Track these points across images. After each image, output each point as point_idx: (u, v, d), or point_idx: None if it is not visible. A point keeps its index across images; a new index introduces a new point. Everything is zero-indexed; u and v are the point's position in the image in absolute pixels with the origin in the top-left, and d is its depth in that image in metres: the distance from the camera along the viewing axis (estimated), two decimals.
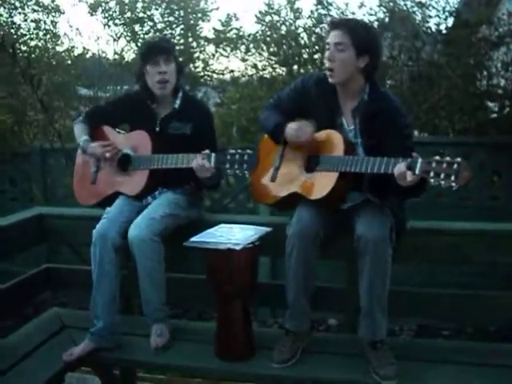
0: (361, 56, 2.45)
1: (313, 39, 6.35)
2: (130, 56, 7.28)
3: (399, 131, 2.44)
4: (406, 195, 2.41)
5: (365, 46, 2.46)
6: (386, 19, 6.01)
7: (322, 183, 2.47)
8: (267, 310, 4.76)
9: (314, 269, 2.51)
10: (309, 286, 2.53)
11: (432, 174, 2.10)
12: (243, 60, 7.01)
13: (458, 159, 2.07)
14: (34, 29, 7.17)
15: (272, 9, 6.68)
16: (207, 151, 2.55)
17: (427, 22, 5.89)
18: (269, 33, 6.63)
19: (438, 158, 2.11)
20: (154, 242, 2.58)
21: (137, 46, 7.09)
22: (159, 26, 7.29)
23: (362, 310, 2.47)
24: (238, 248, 2.42)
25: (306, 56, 6.30)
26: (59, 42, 7.36)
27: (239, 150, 2.50)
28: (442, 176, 2.08)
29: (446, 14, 5.82)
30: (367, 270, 2.37)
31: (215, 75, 7.71)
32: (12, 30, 6.95)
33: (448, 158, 2.08)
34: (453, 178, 2.06)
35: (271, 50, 6.54)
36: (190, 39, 7.37)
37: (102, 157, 2.87)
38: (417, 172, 2.14)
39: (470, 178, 2.07)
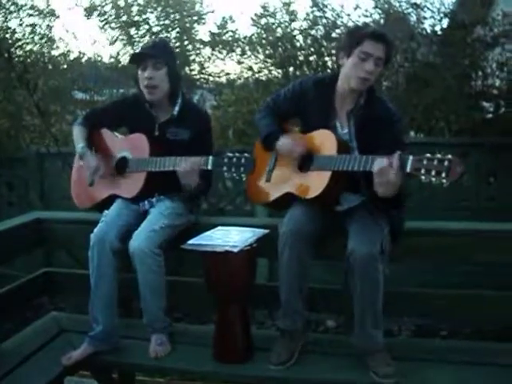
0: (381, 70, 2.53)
1: (308, 41, 6.37)
2: (125, 59, 7.29)
3: (393, 138, 2.45)
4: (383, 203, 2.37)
5: (388, 62, 2.55)
6: (382, 21, 6.02)
7: (316, 182, 2.48)
8: (265, 312, 4.77)
9: (307, 267, 2.50)
10: (302, 284, 2.52)
11: (423, 171, 2.11)
12: (239, 62, 7.03)
13: (449, 156, 2.08)
14: (30, 33, 7.15)
15: (267, 11, 6.69)
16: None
17: (422, 23, 5.92)
18: (264, 35, 6.64)
19: (428, 155, 2.11)
20: (154, 254, 2.58)
21: (133, 49, 7.11)
22: (155, 29, 7.32)
23: (355, 323, 2.47)
24: (235, 250, 2.41)
25: (301, 58, 6.32)
26: (55, 47, 7.38)
27: (237, 154, 2.52)
28: (433, 173, 2.09)
29: (441, 15, 5.85)
30: (357, 288, 2.37)
31: (211, 78, 7.74)
32: (7, 35, 6.94)
33: (439, 155, 2.09)
34: (443, 174, 2.07)
35: (267, 52, 6.55)
36: (186, 42, 7.39)
37: (94, 172, 2.86)
38: (408, 169, 2.15)
39: (462, 172, 2.07)
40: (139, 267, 2.59)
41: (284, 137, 2.62)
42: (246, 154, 2.52)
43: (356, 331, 2.47)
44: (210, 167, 2.56)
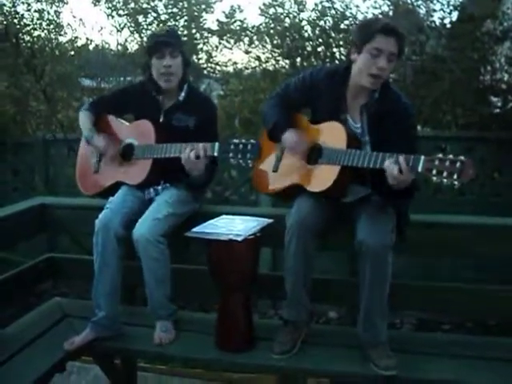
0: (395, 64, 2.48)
1: (317, 32, 6.34)
2: (133, 47, 7.29)
3: (407, 133, 2.43)
4: (396, 195, 2.37)
5: (401, 56, 2.48)
6: (391, 13, 5.99)
7: (324, 176, 2.46)
8: (268, 302, 4.78)
9: (312, 259, 2.51)
10: (307, 275, 2.52)
11: (434, 171, 2.10)
12: (246, 52, 7.01)
13: (461, 157, 2.07)
14: (38, 19, 7.13)
15: (276, 1, 6.66)
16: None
17: (431, 15, 5.88)
18: (272, 25, 6.61)
19: (440, 155, 2.10)
20: (158, 242, 2.59)
21: (140, 37, 7.09)
22: (163, 17, 7.29)
23: (361, 314, 2.48)
24: (239, 239, 2.42)
25: (309, 49, 6.29)
26: (62, 33, 7.35)
27: (243, 140, 2.52)
28: (445, 174, 2.08)
29: (451, 7, 5.81)
30: (368, 278, 2.37)
31: (218, 67, 7.71)
32: (15, 20, 6.92)
33: (451, 156, 2.08)
34: (455, 176, 2.06)
35: (275, 42, 6.52)
36: (194, 31, 7.36)
37: (103, 151, 2.90)
38: (419, 169, 2.14)
39: (474, 175, 2.06)
40: (143, 255, 2.59)
41: (290, 130, 2.59)
42: (252, 141, 2.51)
43: (362, 322, 2.48)
44: (215, 153, 2.56)
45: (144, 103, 2.87)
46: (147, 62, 2.82)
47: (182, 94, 2.85)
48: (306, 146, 2.56)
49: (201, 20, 7.41)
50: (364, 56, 2.40)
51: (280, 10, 6.64)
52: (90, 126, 2.93)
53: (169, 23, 7.14)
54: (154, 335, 2.67)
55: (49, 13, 7.21)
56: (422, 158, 2.14)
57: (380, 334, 2.46)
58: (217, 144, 2.56)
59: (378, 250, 2.32)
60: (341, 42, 6.16)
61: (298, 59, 6.35)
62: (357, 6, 6.22)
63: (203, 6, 7.43)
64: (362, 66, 2.41)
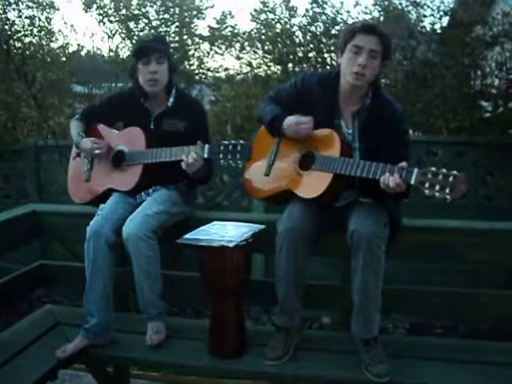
0: (381, 64, 2.48)
1: (308, 37, 6.34)
2: (124, 53, 7.26)
3: (398, 139, 2.45)
4: (390, 198, 2.40)
5: (388, 56, 2.50)
6: (381, 18, 6.00)
7: (316, 183, 2.47)
8: (260, 308, 4.78)
9: (304, 265, 2.51)
10: (299, 281, 2.53)
11: (427, 184, 2.12)
12: (238, 58, 6.99)
13: (455, 172, 2.09)
14: (29, 25, 7.10)
15: (267, 7, 6.65)
16: (200, 142, 2.57)
17: (422, 21, 5.89)
18: (264, 31, 6.61)
19: (434, 169, 2.12)
20: (148, 238, 2.59)
21: (131, 43, 7.07)
22: (154, 23, 7.27)
23: (354, 307, 2.47)
24: (231, 245, 2.42)
25: (300, 54, 6.29)
26: (54, 39, 7.32)
27: (232, 141, 2.53)
28: (437, 188, 2.09)
29: (441, 13, 5.83)
30: (360, 267, 2.37)
31: (210, 73, 7.70)
32: (6, 27, 6.89)
33: (444, 170, 2.10)
34: (447, 190, 2.08)
35: (266, 48, 6.52)
36: (185, 37, 7.35)
37: (91, 152, 2.89)
38: (412, 182, 2.16)
39: (466, 190, 2.07)
40: (133, 251, 2.59)
41: (289, 117, 2.56)
42: (241, 141, 2.53)
43: (356, 318, 2.48)
44: (205, 155, 2.57)
45: (133, 111, 2.89)
46: (133, 66, 2.83)
47: (171, 100, 2.87)
48: (310, 125, 2.53)
49: (192, 26, 7.39)
50: (346, 55, 2.45)
51: (271, 16, 6.64)
52: (79, 130, 2.94)
53: (160, 29, 7.12)
54: (146, 337, 2.67)
55: (40, 19, 7.18)
56: (416, 170, 2.16)
57: (373, 327, 2.46)
58: (206, 146, 2.57)
59: (370, 238, 2.32)
60: (332, 48, 6.16)
61: (290, 65, 6.35)
62: (348, 12, 6.22)
63: (194, 12, 7.42)
64: (346, 65, 2.45)
